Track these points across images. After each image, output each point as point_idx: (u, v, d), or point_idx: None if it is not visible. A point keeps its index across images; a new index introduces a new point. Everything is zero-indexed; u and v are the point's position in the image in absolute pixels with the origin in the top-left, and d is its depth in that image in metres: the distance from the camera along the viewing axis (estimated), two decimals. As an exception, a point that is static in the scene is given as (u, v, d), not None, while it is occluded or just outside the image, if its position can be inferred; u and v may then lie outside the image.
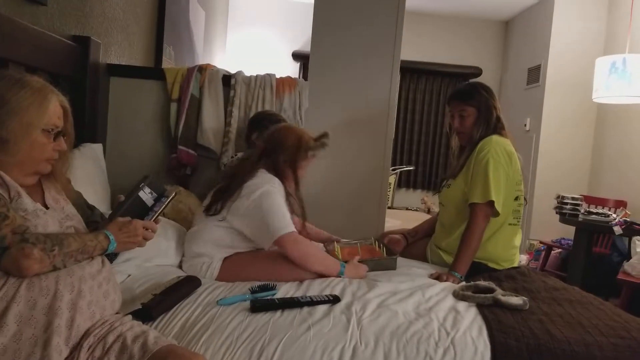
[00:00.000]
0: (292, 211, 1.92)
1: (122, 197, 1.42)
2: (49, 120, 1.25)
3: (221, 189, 1.92)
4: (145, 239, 1.35)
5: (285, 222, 1.81)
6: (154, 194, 1.42)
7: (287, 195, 1.94)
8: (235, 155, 2.57)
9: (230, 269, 1.84)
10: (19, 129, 1.20)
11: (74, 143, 1.42)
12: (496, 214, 2.08)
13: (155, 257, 1.91)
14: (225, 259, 1.87)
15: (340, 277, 1.85)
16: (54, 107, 1.27)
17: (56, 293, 1.15)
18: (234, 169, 2.01)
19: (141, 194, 1.40)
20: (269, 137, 2.02)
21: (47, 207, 1.28)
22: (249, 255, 1.90)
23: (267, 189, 1.85)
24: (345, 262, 1.93)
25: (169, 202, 1.42)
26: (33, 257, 1.10)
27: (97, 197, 2.18)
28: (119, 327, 1.22)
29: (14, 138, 1.20)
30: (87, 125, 2.46)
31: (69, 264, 1.19)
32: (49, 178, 1.35)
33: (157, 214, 1.39)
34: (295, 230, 1.83)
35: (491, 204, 2.05)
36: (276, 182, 1.91)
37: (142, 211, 1.39)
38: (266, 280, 1.74)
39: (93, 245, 1.24)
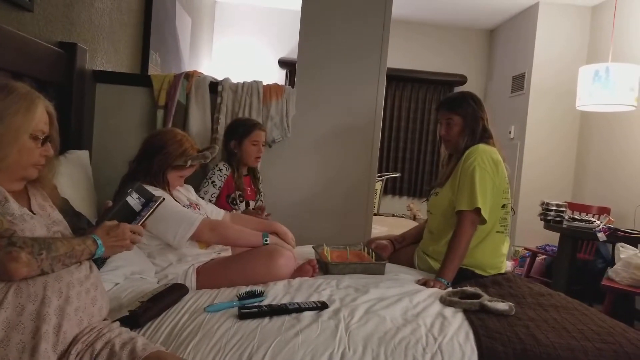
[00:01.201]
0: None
1: (110, 203, 1.42)
2: (37, 126, 1.25)
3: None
4: (133, 242, 1.36)
5: (185, 220, 1.85)
6: (142, 199, 1.44)
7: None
8: (212, 184, 2.56)
9: (208, 278, 1.87)
10: (7, 135, 1.20)
11: (59, 149, 1.42)
12: (483, 221, 2.10)
13: (143, 270, 1.90)
14: (199, 268, 1.89)
15: (265, 243, 1.98)
16: (41, 113, 1.27)
17: (44, 299, 1.14)
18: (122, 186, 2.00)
19: (129, 199, 1.42)
20: (145, 143, 2.03)
21: (33, 213, 1.27)
22: (222, 259, 1.94)
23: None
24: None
25: (156, 207, 1.44)
26: (21, 260, 1.10)
27: (83, 203, 2.16)
28: (107, 333, 1.22)
29: (2, 143, 1.20)
30: (73, 132, 2.44)
31: (56, 269, 1.18)
32: (34, 185, 1.34)
33: (144, 219, 1.41)
34: (218, 221, 1.89)
35: (478, 211, 2.07)
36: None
37: (130, 216, 1.40)
38: (244, 281, 1.78)
39: (81, 250, 1.24)
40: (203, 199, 2.40)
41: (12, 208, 1.20)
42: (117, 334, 1.23)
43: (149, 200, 1.44)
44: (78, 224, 1.46)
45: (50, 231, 1.27)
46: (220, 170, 2.55)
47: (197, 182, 2.75)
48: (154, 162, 1.94)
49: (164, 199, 1.48)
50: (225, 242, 2.02)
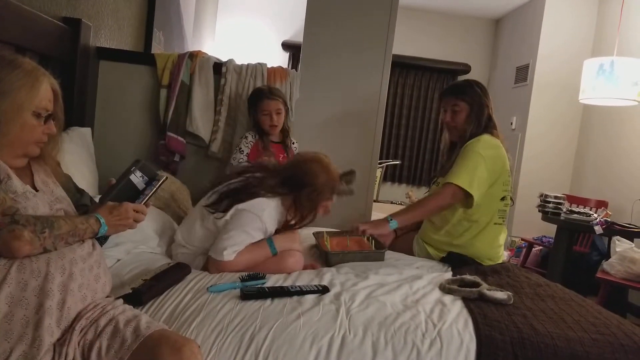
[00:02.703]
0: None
1: (114, 180, 1.42)
2: (40, 103, 1.24)
3: (230, 191, 1.85)
4: (136, 221, 1.36)
5: (230, 247, 1.74)
6: (145, 178, 1.43)
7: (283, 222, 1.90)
8: (239, 151, 2.58)
9: (216, 268, 1.83)
10: (10, 110, 1.20)
11: (63, 126, 1.41)
12: (470, 204, 2.11)
13: (142, 243, 1.91)
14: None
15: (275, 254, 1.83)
16: (45, 90, 1.26)
17: (47, 275, 1.15)
18: (250, 177, 1.90)
19: (132, 177, 1.41)
20: (296, 167, 1.90)
21: (36, 190, 1.27)
22: None
23: (250, 210, 1.77)
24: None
25: (159, 185, 1.43)
26: (23, 238, 1.10)
27: (86, 181, 2.16)
28: (111, 310, 1.23)
29: (4, 119, 1.19)
30: (75, 109, 2.43)
31: (59, 247, 1.19)
32: (37, 161, 1.34)
33: (147, 197, 1.40)
34: (229, 261, 1.74)
35: (466, 193, 2.09)
36: (271, 212, 1.83)
37: (133, 194, 1.39)
38: None
39: (84, 228, 1.24)
40: (232, 165, 2.52)
41: (15, 185, 1.20)
42: (121, 311, 1.24)
43: (152, 179, 1.43)
44: (81, 201, 1.46)
45: (52, 209, 1.27)
46: (246, 138, 2.60)
47: (193, 176, 2.78)
48: (302, 194, 1.84)
49: (166, 177, 1.47)
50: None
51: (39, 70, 1.27)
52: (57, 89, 1.30)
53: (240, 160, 2.55)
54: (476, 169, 2.10)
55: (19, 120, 1.21)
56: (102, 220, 1.28)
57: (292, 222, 1.92)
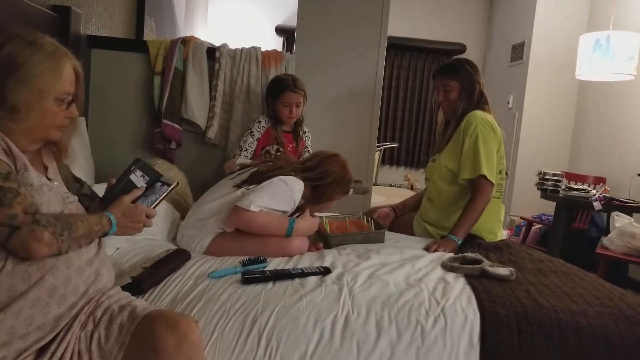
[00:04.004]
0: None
1: (113, 180, 1.39)
2: (62, 88, 1.18)
3: (261, 172, 1.93)
4: (145, 226, 1.33)
5: (257, 202, 1.77)
6: (146, 177, 1.39)
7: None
8: (250, 134, 2.58)
9: (220, 244, 1.83)
10: (31, 97, 1.14)
11: (83, 107, 1.35)
12: (492, 185, 2.14)
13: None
14: (217, 235, 1.85)
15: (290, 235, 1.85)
16: (68, 74, 1.19)
17: (49, 288, 1.12)
18: (279, 164, 2.00)
19: (132, 177, 1.38)
20: (320, 160, 2.00)
21: (49, 180, 1.22)
22: (238, 234, 1.87)
23: (286, 184, 1.86)
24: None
25: (170, 190, 1.39)
26: (43, 241, 1.07)
27: (82, 171, 2.14)
28: (105, 300, 1.21)
29: (25, 106, 1.14)
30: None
31: (71, 250, 1.16)
32: (48, 145, 1.28)
33: (159, 201, 1.37)
34: (256, 212, 1.77)
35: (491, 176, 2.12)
36: (299, 186, 1.91)
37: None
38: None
39: (97, 230, 1.22)
40: (241, 147, 2.54)
41: (32, 178, 1.15)
42: (116, 299, 1.23)
43: (154, 179, 1.40)
44: (81, 191, 1.43)
45: (66, 202, 1.23)
46: (259, 122, 2.58)
47: (190, 164, 2.75)
48: (323, 185, 1.96)
49: (178, 183, 1.44)
50: (245, 228, 1.85)
51: (60, 50, 1.19)
52: (79, 70, 1.23)
53: (250, 144, 2.54)
54: (492, 155, 2.14)
55: (40, 107, 1.15)
56: (113, 221, 1.25)
57: (314, 207, 2.02)
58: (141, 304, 1.21)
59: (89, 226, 1.18)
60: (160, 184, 1.40)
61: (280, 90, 2.53)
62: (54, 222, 1.10)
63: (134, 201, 1.32)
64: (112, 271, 1.34)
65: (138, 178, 1.38)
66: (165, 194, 1.38)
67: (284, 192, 1.85)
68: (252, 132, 2.57)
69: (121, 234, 1.31)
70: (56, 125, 1.21)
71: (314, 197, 1.99)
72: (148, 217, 1.33)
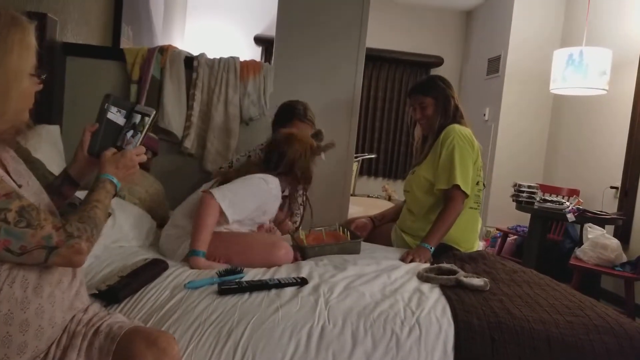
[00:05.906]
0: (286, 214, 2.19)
1: (89, 127, 1.30)
2: (34, 60, 1.01)
3: (234, 172, 2.02)
4: (140, 162, 1.28)
5: (225, 193, 1.82)
6: (122, 111, 1.33)
7: (290, 197, 2.15)
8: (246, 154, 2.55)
9: (206, 197, 1.82)
10: (3, 82, 0.97)
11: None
12: (466, 195, 2.16)
13: (118, 238, 1.90)
14: None
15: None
16: (34, 41, 1.03)
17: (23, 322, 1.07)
18: (247, 168, 2.05)
19: (110, 115, 1.31)
20: (283, 154, 2.02)
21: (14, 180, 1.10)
22: (224, 236, 1.87)
23: (258, 177, 1.93)
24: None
25: (152, 121, 1.33)
26: (83, 251, 1.05)
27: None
28: (81, 327, 1.15)
29: (1, 94, 0.97)
30: (42, 107, 2.37)
31: (95, 240, 1.11)
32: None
33: (143, 136, 1.31)
34: (218, 202, 1.79)
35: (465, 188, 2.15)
36: (275, 182, 1.97)
37: (117, 133, 1.31)
38: (238, 264, 1.72)
39: (109, 201, 1.18)
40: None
41: (10, 184, 1.04)
42: (91, 320, 1.17)
43: (130, 110, 1.33)
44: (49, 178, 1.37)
45: (39, 198, 1.15)
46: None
47: (167, 173, 2.73)
48: (295, 169, 2.03)
49: (156, 112, 1.39)
50: (194, 221, 1.84)
51: (19, 17, 1.02)
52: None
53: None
54: (467, 167, 2.17)
55: (18, 90, 0.99)
56: (115, 180, 1.21)
57: (300, 187, 2.15)
58: (116, 321, 1.17)
59: (105, 206, 1.15)
60: (139, 115, 1.33)
61: (289, 117, 2.45)
62: (82, 226, 1.06)
63: (119, 147, 1.27)
64: (85, 288, 1.30)
65: (115, 114, 1.32)
66: (147, 127, 1.32)
67: (257, 184, 1.91)
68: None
69: (124, 184, 1.27)
70: (30, 105, 1.08)
71: (295, 180, 2.07)
72: (139, 156, 1.27)
